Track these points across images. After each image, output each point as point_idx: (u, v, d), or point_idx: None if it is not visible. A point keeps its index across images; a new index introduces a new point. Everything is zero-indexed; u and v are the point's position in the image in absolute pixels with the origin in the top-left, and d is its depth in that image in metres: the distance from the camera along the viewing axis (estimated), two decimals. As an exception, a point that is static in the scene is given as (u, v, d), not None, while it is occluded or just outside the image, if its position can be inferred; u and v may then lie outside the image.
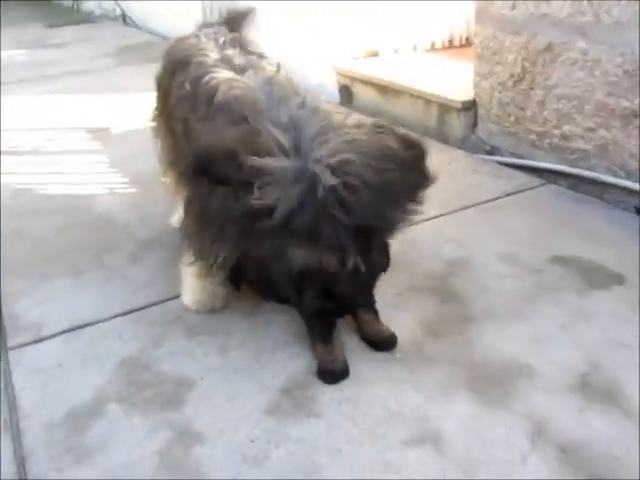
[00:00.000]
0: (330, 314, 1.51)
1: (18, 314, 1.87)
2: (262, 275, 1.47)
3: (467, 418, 1.40)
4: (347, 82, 3.76)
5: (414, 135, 1.48)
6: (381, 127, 1.43)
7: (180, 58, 1.86)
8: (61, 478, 1.30)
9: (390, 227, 1.43)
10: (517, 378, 1.51)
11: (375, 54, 3.83)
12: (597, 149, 2.42)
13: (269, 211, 1.28)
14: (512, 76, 2.70)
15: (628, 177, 2.33)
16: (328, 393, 1.49)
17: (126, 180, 2.80)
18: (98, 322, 1.81)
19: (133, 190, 2.70)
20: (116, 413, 1.46)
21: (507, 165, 2.77)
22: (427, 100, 3.17)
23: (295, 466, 1.30)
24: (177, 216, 2.00)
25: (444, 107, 3.10)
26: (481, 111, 2.94)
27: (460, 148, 3.00)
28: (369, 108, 3.49)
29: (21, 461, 1.34)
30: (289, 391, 1.50)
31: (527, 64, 2.61)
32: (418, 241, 2.11)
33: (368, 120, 1.53)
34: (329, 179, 1.28)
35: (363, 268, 1.32)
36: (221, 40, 1.91)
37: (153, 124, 2.10)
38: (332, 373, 1.52)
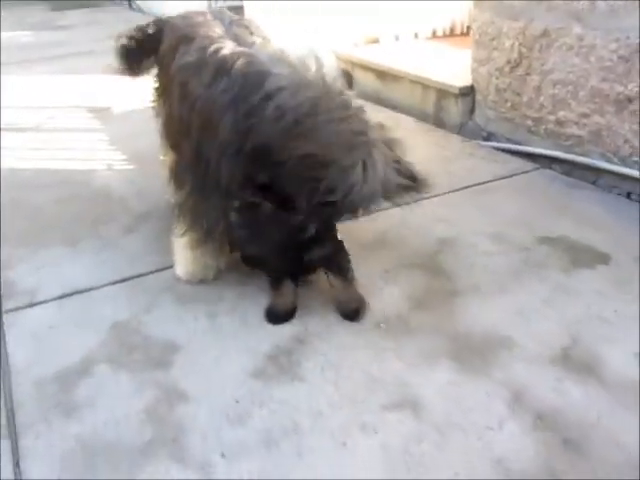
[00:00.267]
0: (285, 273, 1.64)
1: (14, 280, 1.91)
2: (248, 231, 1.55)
3: (447, 385, 1.43)
4: (347, 68, 3.77)
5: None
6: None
7: (185, 33, 1.82)
8: (49, 429, 1.34)
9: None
10: (499, 349, 1.54)
11: (376, 41, 3.85)
12: (591, 135, 2.44)
13: None
14: (509, 62, 2.71)
15: (622, 163, 2.35)
16: (312, 359, 1.52)
17: (125, 157, 2.84)
18: (91, 289, 1.85)
19: (131, 167, 2.73)
20: (105, 373, 1.50)
21: (503, 151, 2.79)
22: (425, 86, 3.19)
23: (276, 425, 1.34)
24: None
25: (442, 93, 3.12)
26: (478, 97, 2.96)
27: (458, 135, 3.02)
28: (369, 93, 3.51)
29: (11, 411, 1.38)
30: (275, 356, 1.54)
31: (524, 50, 2.63)
32: (409, 221, 2.14)
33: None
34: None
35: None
36: (227, 20, 1.90)
37: (154, 103, 2.11)
38: (275, 314, 1.65)
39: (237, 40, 1.68)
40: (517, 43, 2.65)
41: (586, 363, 1.49)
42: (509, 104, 2.77)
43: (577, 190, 2.39)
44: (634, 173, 2.30)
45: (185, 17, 1.96)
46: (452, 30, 3.94)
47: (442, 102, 3.14)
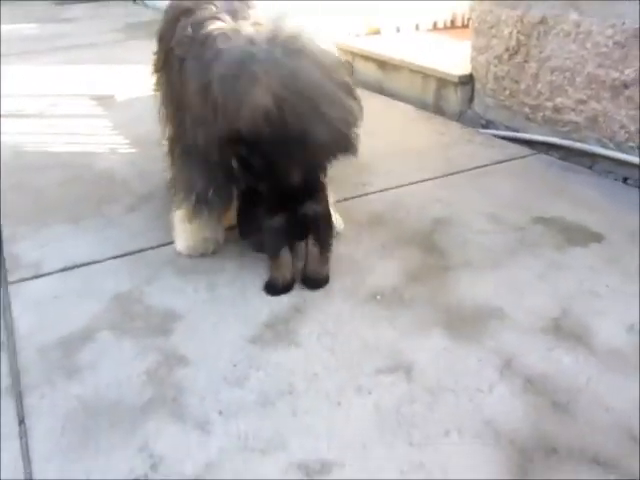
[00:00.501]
0: (282, 234, 1.66)
1: (18, 254, 1.95)
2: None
3: (439, 351, 1.47)
4: (348, 57, 3.81)
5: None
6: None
7: (184, 9, 1.82)
8: (53, 390, 1.38)
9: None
10: (490, 319, 1.58)
11: (377, 32, 3.89)
12: (588, 121, 2.48)
13: None
14: (507, 49, 2.75)
15: (618, 148, 2.39)
16: (309, 327, 1.56)
17: (127, 141, 2.88)
18: (94, 263, 1.89)
19: (133, 150, 2.78)
20: (107, 339, 1.54)
21: (502, 138, 2.82)
22: (425, 75, 3.23)
23: (273, 387, 1.37)
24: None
25: (442, 82, 3.16)
26: (477, 85, 2.99)
27: (457, 122, 3.05)
28: (370, 83, 3.55)
29: (16, 374, 1.42)
30: (272, 324, 1.57)
31: (522, 37, 2.66)
32: (406, 201, 2.18)
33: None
34: None
35: None
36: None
37: (153, 78, 2.13)
38: (274, 287, 1.69)
39: (235, 15, 1.71)
40: (515, 31, 2.68)
41: (576, 333, 1.52)
42: (507, 92, 2.81)
43: (573, 174, 2.43)
44: (630, 158, 2.33)
45: None
46: (453, 22, 3.97)
47: (442, 91, 3.18)
